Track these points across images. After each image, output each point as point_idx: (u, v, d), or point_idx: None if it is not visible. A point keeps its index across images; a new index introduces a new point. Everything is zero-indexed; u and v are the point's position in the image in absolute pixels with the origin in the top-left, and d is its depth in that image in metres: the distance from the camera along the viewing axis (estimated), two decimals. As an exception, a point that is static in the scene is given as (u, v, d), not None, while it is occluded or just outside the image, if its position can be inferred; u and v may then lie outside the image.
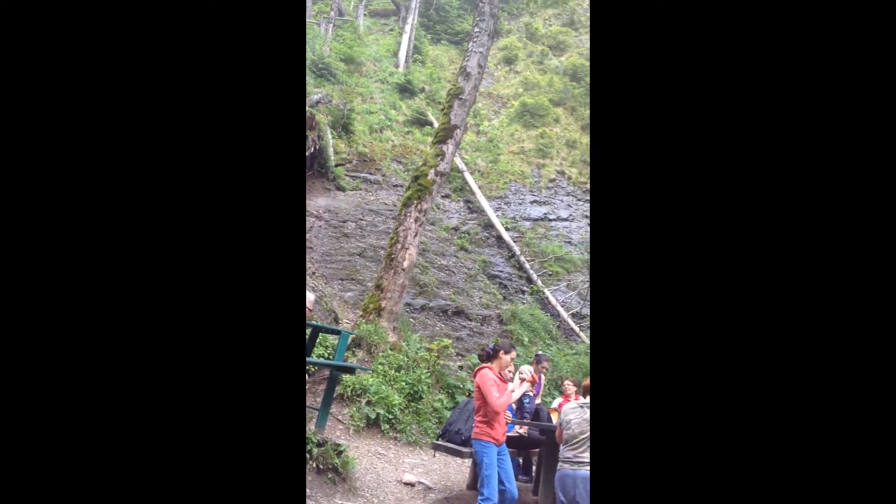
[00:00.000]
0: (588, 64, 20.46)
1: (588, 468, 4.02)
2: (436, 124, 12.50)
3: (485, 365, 4.76)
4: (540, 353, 7.32)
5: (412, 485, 5.84)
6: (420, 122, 17.36)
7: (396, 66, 20.67)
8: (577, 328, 12.13)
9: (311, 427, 5.54)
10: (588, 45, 21.81)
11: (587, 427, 4.11)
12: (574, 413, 4.24)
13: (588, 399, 4.35)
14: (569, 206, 15.82)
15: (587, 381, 4.53)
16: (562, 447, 4.22)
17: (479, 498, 4.40)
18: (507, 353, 4.80)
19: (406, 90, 18.75)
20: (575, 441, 4.12)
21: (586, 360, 9.88)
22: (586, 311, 12.72)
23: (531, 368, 6.43)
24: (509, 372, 4.87)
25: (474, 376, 4.82)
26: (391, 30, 22.38)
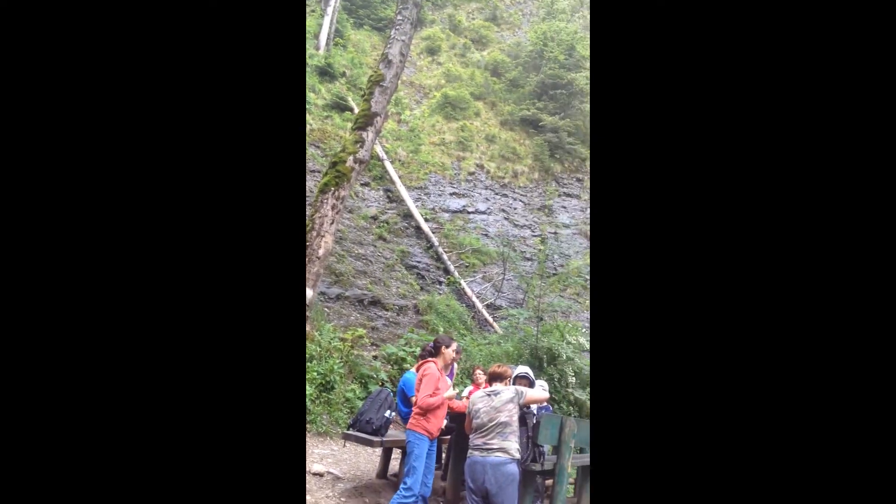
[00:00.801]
0: (508, 60, 20.89)
1: (498, 455, 4.12)
2: (356, 110, 12.26)
3: (429, 359, 4.80)
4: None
5: (321, 475, 5.75)
6: (340, 107, 16.95)
7: (317, 48, 20.00)
8: (490, 319, 12.43)
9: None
10: (509, 41, 22.25)
11: (496, 415, 4.21)
12: (482, 402, 4.33)
13: (496, 387, 4.44)
14: (487, 199, 16.13)
15: (493, 368, 4.63)
16: (471, 435, 4.31)
17: (402, 486, 4.41)
18: (448, 346, 4.86)
19: (326, 73, 18.22)
20: (484, 429, 4.21)
21: (498, 350, 10.17)
22: (500, 301, 13.07)
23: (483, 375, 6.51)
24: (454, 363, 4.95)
25: (417, 369, 4.86)
26: (312, 11, 21.60)
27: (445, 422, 5.95)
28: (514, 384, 5.50)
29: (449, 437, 6.06)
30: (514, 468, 4.15)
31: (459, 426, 5.33)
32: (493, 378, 4.54)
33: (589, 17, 23.93)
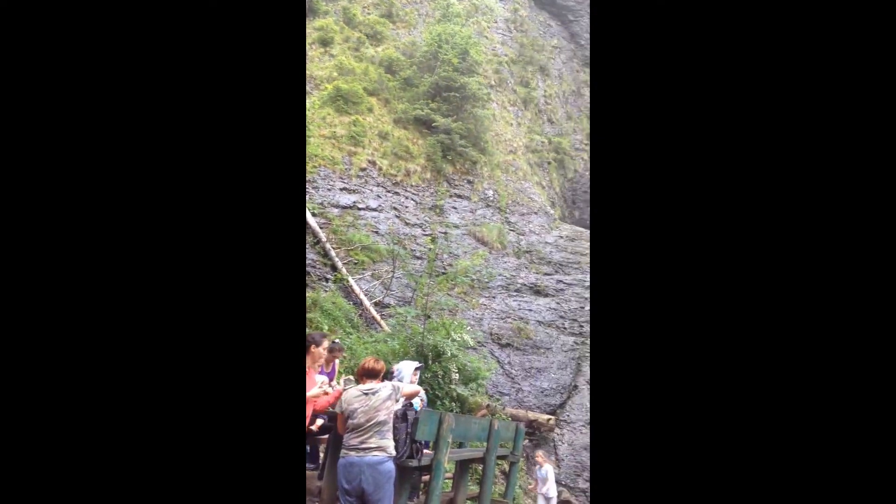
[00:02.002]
0: (403, 58, 20.88)
1: (376, 454, 4.04)
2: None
3: None
4: (336, 341, 7.27)
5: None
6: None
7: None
8: (378, 317, 12.34)
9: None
10: (404, 40, 22.25)
11: (374, 414, 4.13)
12: (358, 402, 4.22)
13: (373, 384, 4.36)
14: (378, 196, 16.00)
15: (367, 364, 4.47)
16: (346, 435, 4.21)
17: None
18: (318, 345, 4.64)
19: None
20: (361, 429, 4.12)
21: (385, 348, 10.11)
22: (388, 300, 13.02)
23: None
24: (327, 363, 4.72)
25: None
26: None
27: (323, 420, 5.79)
28: (405, 376, 5.47)
29: (327, 436, 5.90)
30: (390, 466, 4.12)
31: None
32: (366, 374, 4.40)
33: (483, 23, 24.62)
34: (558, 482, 10.04)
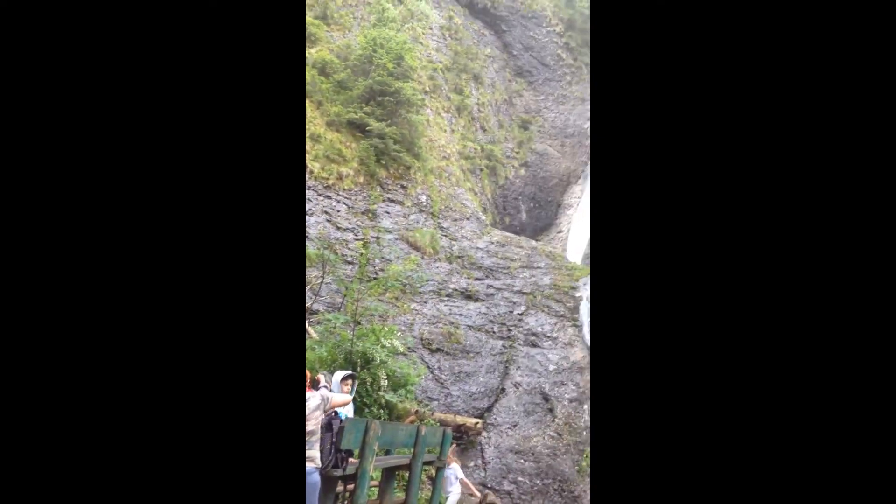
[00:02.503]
0: (337, 61, 20.66)
1: (308, 464, 4.04)
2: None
3: None
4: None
5: None
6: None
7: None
8: (306, 324, 12.15)
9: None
10: (338, 42, 22.01)
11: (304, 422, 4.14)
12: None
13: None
14: (309, 199, 15.73)
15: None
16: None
17: None
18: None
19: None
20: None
21: (313, 356, 9.99)
22: (317, 306, 12.85)
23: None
24: None
25: None
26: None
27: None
28: (341, 385, 5.46)
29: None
30: (316, 477, 4.13)
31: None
32: None
33: (418, 29, 24.79)
34: (484, 484, 10.29)
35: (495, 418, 12.31)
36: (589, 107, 27.76)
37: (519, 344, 14.16)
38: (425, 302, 15.08)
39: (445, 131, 23.54)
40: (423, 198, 19.19)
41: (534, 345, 14.19)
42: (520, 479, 10.91)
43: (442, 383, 12.79)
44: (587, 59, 29.67)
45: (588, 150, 27.40)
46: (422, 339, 13.59)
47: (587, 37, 30.26)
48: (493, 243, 19.03)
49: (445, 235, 18.49)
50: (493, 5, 28.30)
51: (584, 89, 28.48)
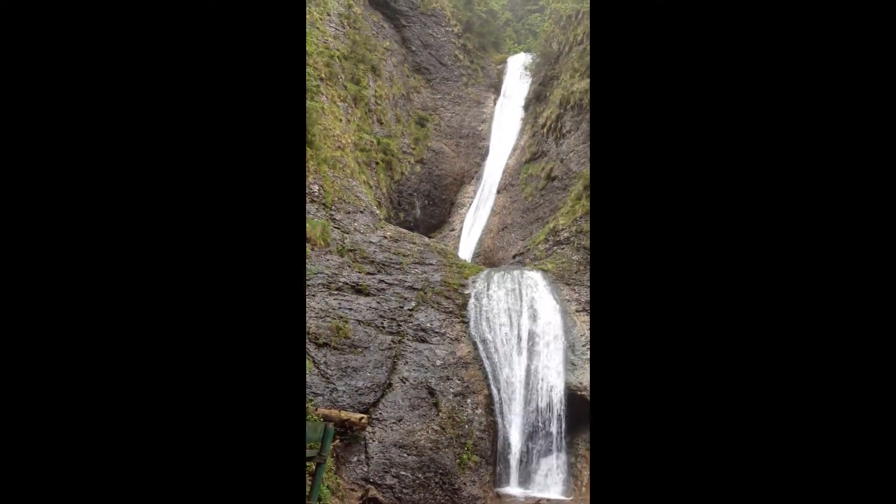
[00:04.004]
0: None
1: None
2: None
3: None
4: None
5: None
6: None
7: None
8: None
9: None
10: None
11: None
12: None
13: None
14: (188, 183, 14.64)
15: None
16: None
17: None
18: None
19: None
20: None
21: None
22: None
23: None
24: None
25: None
26: None
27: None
28: None
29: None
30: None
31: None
32: None
33: (315, 13, 23.96)
34: (366, 479, 10.24)
35: (381, 413, 12.29)
36: (486, 109, 28.58)
37: (408, 339, 14.25)
38: (314, 295, 14.65)
39: (341, 121, 23.01)
40: (316, 187, 18.62)
41: (422, 340, 14.36)
42: (402, 472, 11.00)
43: (328, 378, 12.52)
44: (483, 63, 30.51)
45: (482, 151, 28.21)
46: (308, 334, 13.20)
47: (483, 40, 31.12)
48: (386, 238, 18.96)
49: (338, 228, 18.10)
50: (394, -1, 28.14)
51: (479, 92, 29.26)
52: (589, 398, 13.07)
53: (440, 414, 12.46)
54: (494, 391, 13.42)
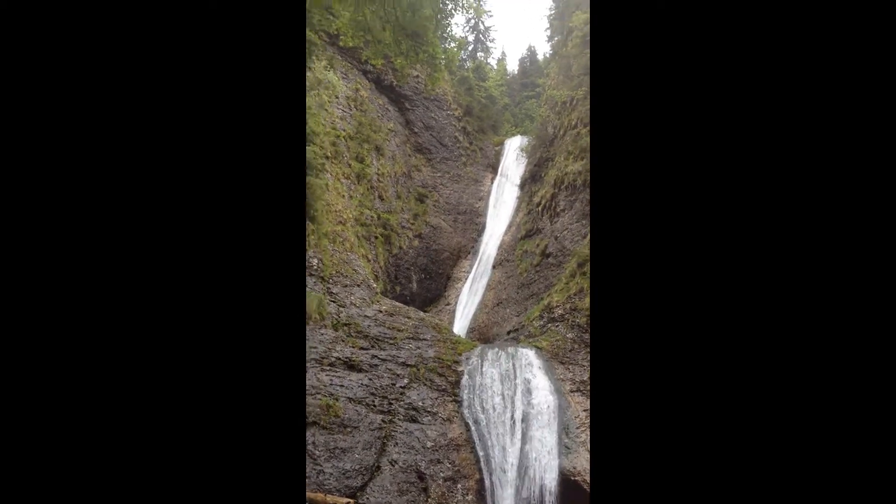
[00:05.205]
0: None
1: None
2: None
3: None
4: None
5: None
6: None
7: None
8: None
9: None
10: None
11: None
12: None
13: None
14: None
15: None
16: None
17: None
18: None
19: None
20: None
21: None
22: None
23: None
24: None
25: None
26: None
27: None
28: None
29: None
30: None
31: None
32: None
33: (324, 96, 25.33)
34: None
35: (368, 498, 11.92)
36: (483, 187, 29.50)
37: (399, 419, 14.03)
38: (306, 370, 14.58)
39: (344, 196, 23.76)
40: (315, 261, 18.96)
41: (413, 420, 14.13)
42: (387, 564, 10.53)
43: (315, 459, 12.24)
44: (482, 144, 31.87)
45: (479, 227, 28.86)
46: (298, 411, 13.03)
47: (482, 123, 32.65)
48: (381, 312, 19.06)
49: (334, 301, 18.25)
50: (398, 84, 29.78)
51: (477, 171, 30.36)
52: (584, 484, 12.71)
53: (429, 500, 12.09)
54: (486, 476, 13.06)
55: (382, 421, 13.85)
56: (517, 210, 27.82)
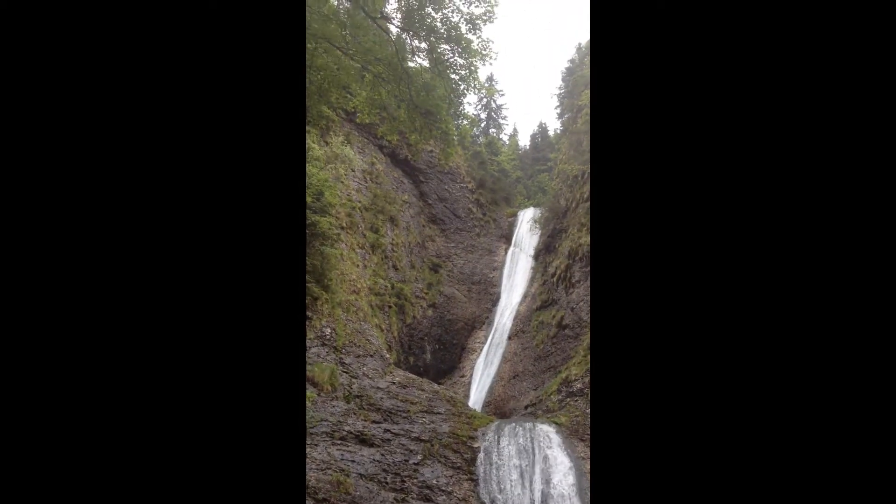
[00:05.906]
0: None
1: None
2: None
3: None
4: None
5: None
6: None
7: None
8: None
9: None
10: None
11: None
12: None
13: None
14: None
15: None
16: None
17: None
18: None
19: None
20: None
21: None
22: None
23: None
24: None
25: None
26: None
27: None
28: None
29: None
30: None
31: None
32: None
33: (340, 169, 26.15)
34: None
35: (379, 587, 11.08)
36: (497, 257, 29.63)
37: (412, 497, 13.32)
38: (316, 445, 14.06)
39: (358, 266, 23.93)
40: (328, 331, 18.79)
41: (427, 499, 13.40)
42: None
43: (323, 542, 11.52)
44: (495, 215, 32.36)
45: (493, 297, 28.70)
46: (308, 487, 12.43)
47: (495, 195, 33.31)
48: (394, 384, 18.62)
49: (346, 372, 17.90)
50: (413, 158, 30.79)
51: (490, 241, 30.63)
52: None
53: (444, 590, 11.20)
54: (505, 564, 12.16)
55: (395, 500, 13.14)
56: (532, 280, 27.73)
